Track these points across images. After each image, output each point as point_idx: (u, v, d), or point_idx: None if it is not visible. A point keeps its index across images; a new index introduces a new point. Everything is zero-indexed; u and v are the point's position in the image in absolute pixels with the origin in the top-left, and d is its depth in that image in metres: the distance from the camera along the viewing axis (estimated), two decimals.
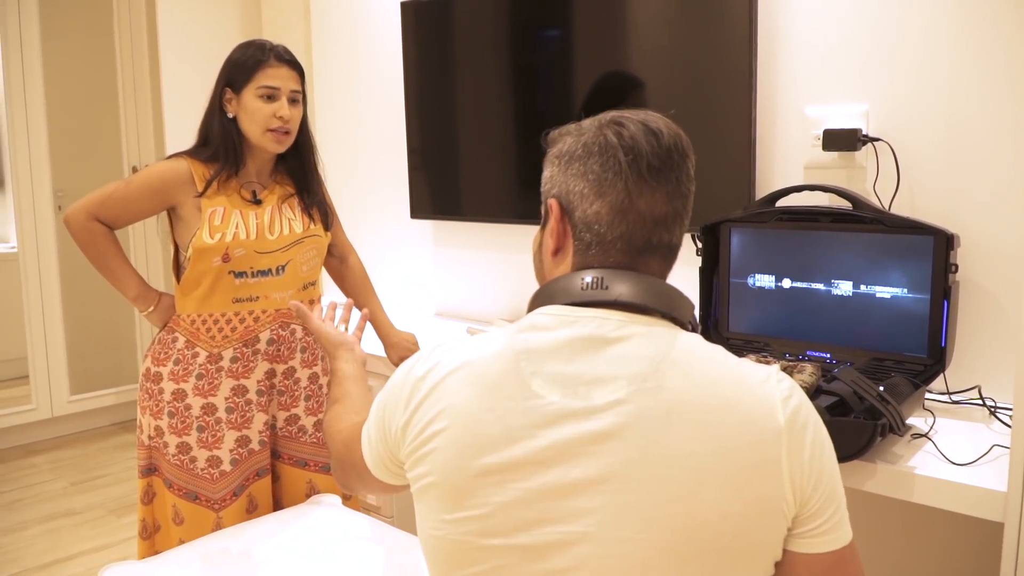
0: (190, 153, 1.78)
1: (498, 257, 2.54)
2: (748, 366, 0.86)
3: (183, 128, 3.21)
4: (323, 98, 3.07)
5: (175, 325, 1.81)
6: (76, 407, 3.77)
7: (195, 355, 1.77)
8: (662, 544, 0.79)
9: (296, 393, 1.86)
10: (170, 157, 1.78)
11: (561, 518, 0.81)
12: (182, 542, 1.79)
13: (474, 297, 2.63)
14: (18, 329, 3.70)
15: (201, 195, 1.73)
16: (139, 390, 1.84)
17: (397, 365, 1.99)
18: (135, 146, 3.92)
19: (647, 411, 0.81)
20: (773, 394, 0.82)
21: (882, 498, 1.77)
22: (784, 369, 1.54)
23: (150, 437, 1.81)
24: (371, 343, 2.08)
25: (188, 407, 1.76)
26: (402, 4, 2.57)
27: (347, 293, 2.00)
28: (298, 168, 1.87)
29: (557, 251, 0.94)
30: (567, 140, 0.94)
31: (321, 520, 1.69)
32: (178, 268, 1.82)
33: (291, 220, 1.82)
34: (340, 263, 2.01)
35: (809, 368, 1.50)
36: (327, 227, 1.89)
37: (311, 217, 1.85)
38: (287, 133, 1.77)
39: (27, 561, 2.62)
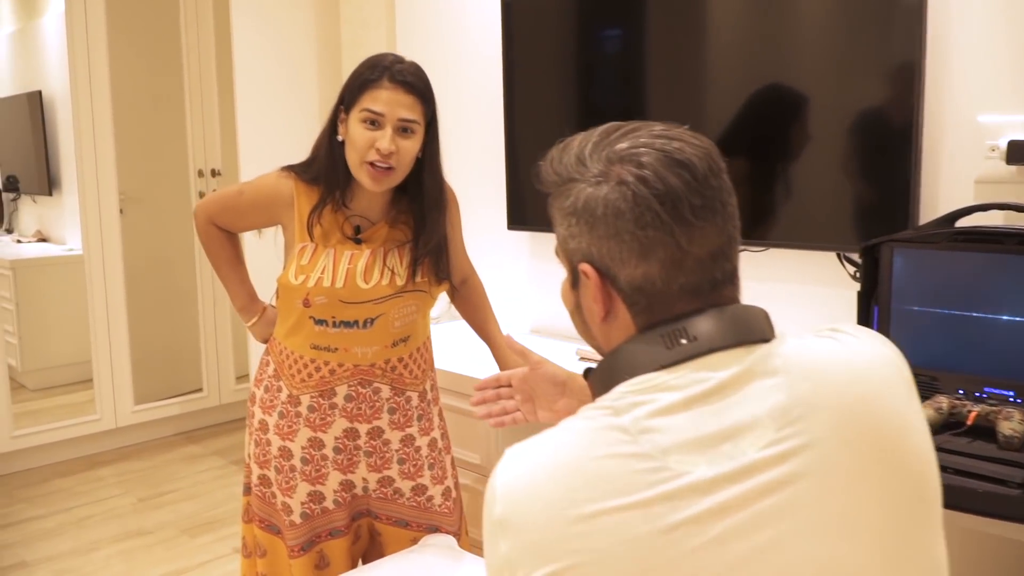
0: (298, 171, 1.60)
1: None
2: (845, 341, 0.79)
3: (256, 130, 3.10)
4: None
5: (271, 347, 1.68)
6: (140, 417, 3.67)
7: (279, 389, 1.63)
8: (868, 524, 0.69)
9: (387, 455, 1.65)
10: (283, 170, 1.61)
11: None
12: None
13: None
14: (79, 332, 3.61)
15: (312, 241, 1.56)
16: None
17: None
18: (201, 148, 3.81)
19: (811, 439, 0.70)
20: (890, 352, 0.79)
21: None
22: (986, 415, 1.36)
23: (248, 456, 1.70)
24: (487, 370, 1.93)
25: (269, 442, 1.64)
26: (503, 2, 2.41)
27: (464, 315, 1.84)
28: (417, 213, 1.60)
29: (606, 316, 0.82)
30: (580, 191, 0.79)
31: (438, 563, 1.55)
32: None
33: (394, 269, 1.57)
34: (459, 284, 1.83)
35: (1017, 415, 1.31)
36: (439, 280, 1.63)
37: (416, 271, 1.59)
38: (389, 169, 1.50)
39: None
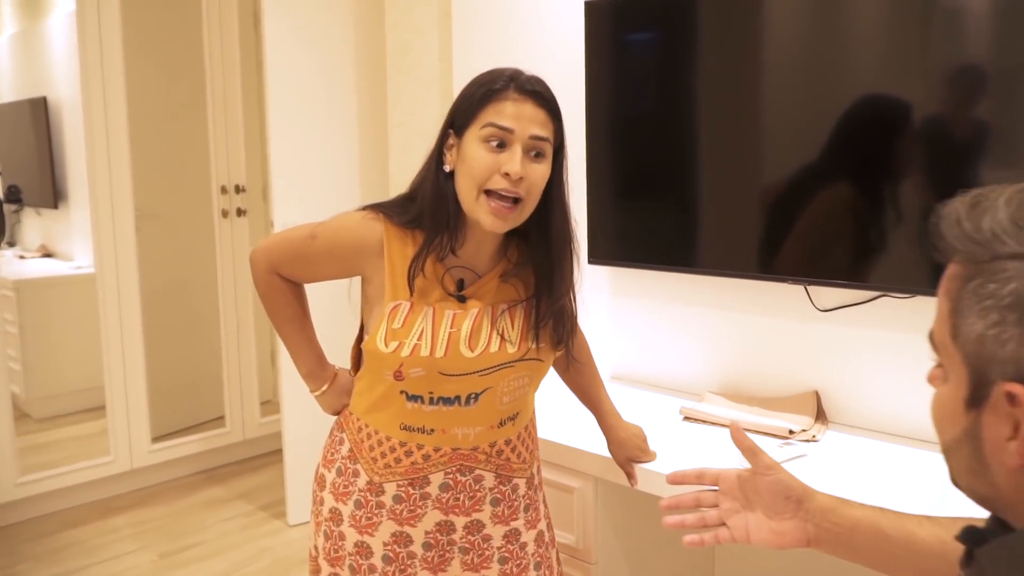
0: (389, 212, 1.29)
1: (689, 312, 2.08)
2: None
3: (289, 144, 2.79)
4: None
5: (345, 422, 1.38)
6: (157, 457, 3.36)
7: (356, 473, 1.33)
8: None
9: (487, 552, 1.35)
10: (368, 210, 1.31)
11: None
12: None
13: (658, 359, 2.16)
14: (88, 357, 3.32)
15: (410, 298, 1.27)
16: None
17: (624, 467, 1.56)
18: (224, 162, 3.50)
19: None
20: None
21: None
22: None
23: (314, 549, 1.40)
24: (594, 439, 1.63)
25: (342, 536, 1.34)
26: (587, 4, 2.10)
27: (568, 380, 1.54)
28: (542, 261, 1.31)
29: None
30: None
31: None
32: (359, 349, 1.38)
33: (505, 333, 1.29)
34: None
35: None
36: (557, 345, 1.34)
37: (537, 334, 1.31)
38: (515, 203, 1.21)
39: None
